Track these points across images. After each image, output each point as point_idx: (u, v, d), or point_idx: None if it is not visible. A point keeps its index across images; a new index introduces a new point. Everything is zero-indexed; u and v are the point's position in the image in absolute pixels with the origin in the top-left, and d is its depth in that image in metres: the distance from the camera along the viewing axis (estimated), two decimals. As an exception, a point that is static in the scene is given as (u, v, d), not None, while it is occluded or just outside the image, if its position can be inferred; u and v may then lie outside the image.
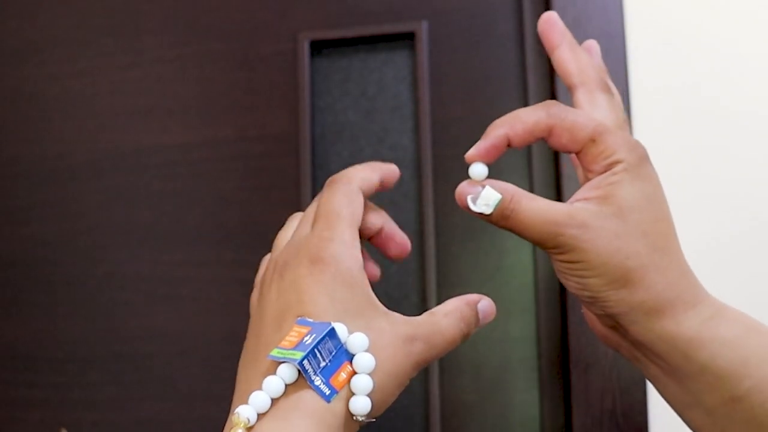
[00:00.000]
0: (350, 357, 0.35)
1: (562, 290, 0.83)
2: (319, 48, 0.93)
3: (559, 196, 0.84)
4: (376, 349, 0.36)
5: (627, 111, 0.82)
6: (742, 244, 0.79)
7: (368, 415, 0.35)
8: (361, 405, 0.35)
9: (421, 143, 0.87)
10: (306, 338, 0.34)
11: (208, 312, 0.91)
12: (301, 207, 0.88)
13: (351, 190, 0.41)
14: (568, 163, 0.83)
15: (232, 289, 0.90)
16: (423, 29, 0.89)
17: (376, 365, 0.35)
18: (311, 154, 0.90)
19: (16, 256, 0.96)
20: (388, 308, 0.39)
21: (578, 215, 0.38)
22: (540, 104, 0.41)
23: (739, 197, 0.80)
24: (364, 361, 0.35)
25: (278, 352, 0.34)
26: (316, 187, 0.91)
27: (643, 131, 0.82)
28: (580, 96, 0.45)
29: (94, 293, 0.93)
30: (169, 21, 0.96)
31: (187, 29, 0.95)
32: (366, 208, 0.43)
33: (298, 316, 0.36)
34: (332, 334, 0.34)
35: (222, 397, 0.89)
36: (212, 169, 0.93)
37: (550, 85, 0.85)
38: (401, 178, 0.89)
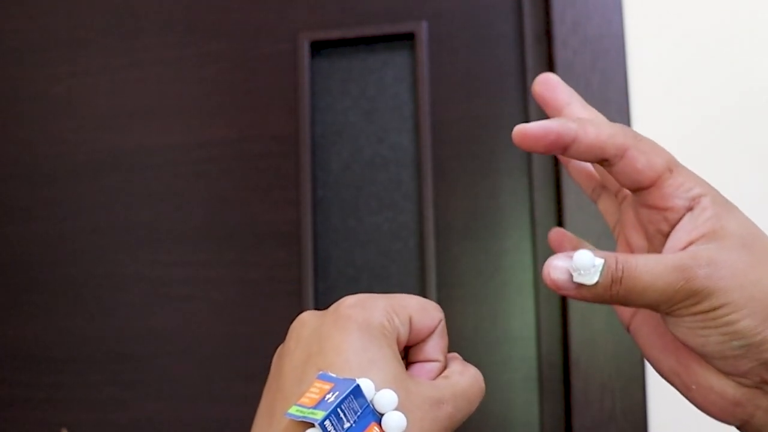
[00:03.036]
0: (377, 418, 0.32)
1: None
2: (319, 48, 0.93)
3: (559, 196, 0.84)
4: (404, 411, 0.32)
5: (626, 111, 0.82)
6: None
7: None
8: None
9: (421, 143, 0.87)
10: (328, 396, 0.31)
11: (208, 312, 0.91)
12: (301, 207, 0.88)
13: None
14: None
15: (233, 289, 0.90)
16: (423, 29, 0.89)
17: (407, 426, 0.32)
18: (311, 154, 0.90)
19: (16, 256, 0.96)
20: None
21: (701, 254, 0.33)
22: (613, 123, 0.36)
23: (738, 195, 0.80)
24: (394, 420, 0.31)
25: (297, 410, 0.31)
26: (316, 187, 0.91)
27: (643, 133, 0.82)
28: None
29: (94, 293, 0.93)
30: (169, 21, 0.96)
31: (187, 29, 0.95)
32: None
33: (319, 369, 0.33)
34: (357, 391, 0.31)
35: (222, 397, 0.89)
36: (212, 169, 0.93)
37: (550, 85, 0.85)
38: (401, 178, 0.89)
